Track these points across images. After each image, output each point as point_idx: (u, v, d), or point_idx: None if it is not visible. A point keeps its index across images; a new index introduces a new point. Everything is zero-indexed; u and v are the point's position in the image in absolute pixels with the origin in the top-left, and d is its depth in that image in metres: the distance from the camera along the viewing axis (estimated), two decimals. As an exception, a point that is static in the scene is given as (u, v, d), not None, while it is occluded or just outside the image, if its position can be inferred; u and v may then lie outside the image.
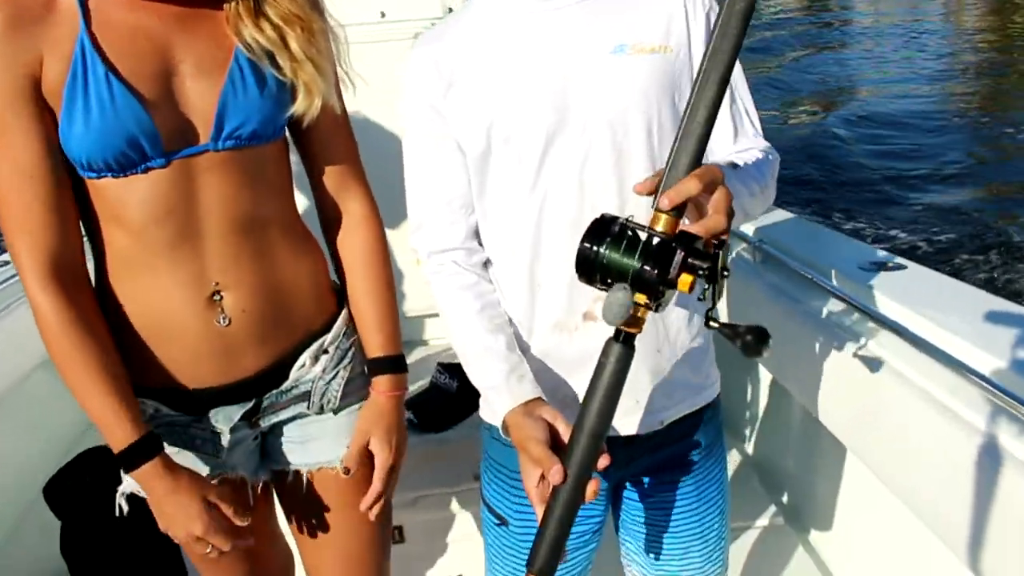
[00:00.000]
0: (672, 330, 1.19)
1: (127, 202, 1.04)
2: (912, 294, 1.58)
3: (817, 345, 1.63)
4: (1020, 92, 11.44)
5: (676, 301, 1.20)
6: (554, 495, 0.91)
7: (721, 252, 0.83)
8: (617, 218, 0.87)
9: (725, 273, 0.84)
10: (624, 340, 0.87)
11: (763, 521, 1.96)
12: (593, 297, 1.14)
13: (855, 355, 1.50)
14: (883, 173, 8.31)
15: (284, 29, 1.06)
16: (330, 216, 1.26)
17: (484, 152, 1.12)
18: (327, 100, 1.11)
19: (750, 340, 0.84)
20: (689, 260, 0.83)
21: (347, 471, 1.22)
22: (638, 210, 1.12)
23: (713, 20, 1.10)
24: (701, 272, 0.82)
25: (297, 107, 1.09)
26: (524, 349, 1.17)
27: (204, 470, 1.18)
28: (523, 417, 1.03)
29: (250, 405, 1.20)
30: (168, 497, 1.08)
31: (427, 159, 1.16)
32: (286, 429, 1.27)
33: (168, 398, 1.15)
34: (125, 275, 1.10)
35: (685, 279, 0.82)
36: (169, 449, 1.11)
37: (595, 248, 0.86)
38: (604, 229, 0.86)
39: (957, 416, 1.25)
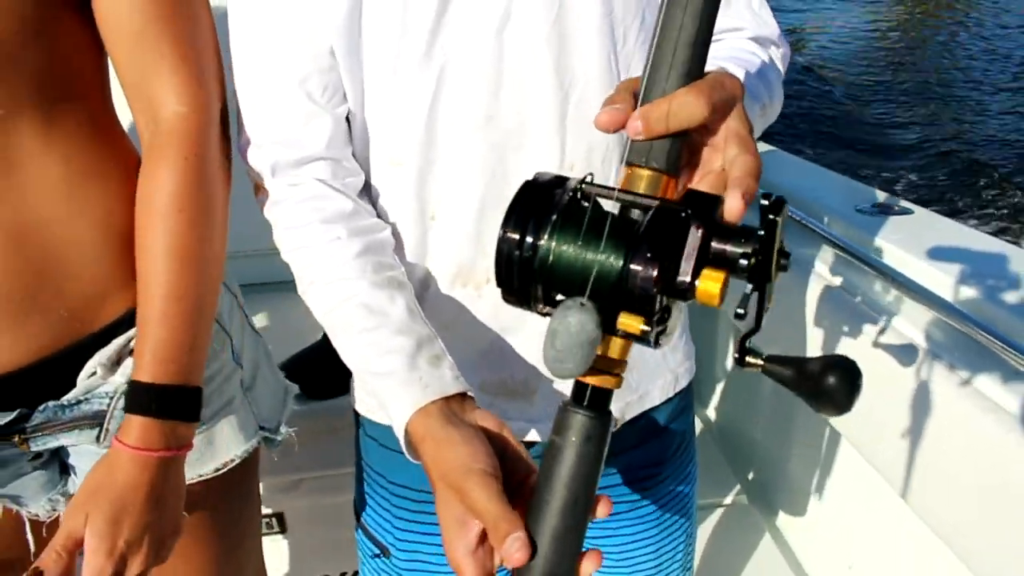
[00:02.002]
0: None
1: None
2: (915, 241, 1.31)
3: (802, 301, 1.35)
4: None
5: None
6: None
7: (779, 222, 0.44)
8: (564, 180, 0.47)
9: (783, 262, 0.46)
10: (592, 402, 0.48)
11: (727, 500, 1.76)
12: None
13: (844, 310, 1.27)
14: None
15: None
16: (140, 124, 0.78)
17: (352, 3, 0.69)
18: None
19: (834, 385, 0.46)
20: (715, 243, 0.44)
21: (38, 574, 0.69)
22: (579, 124, 0.72)
23: None
24: (742, 266, 0.43)
25: None
26: None
27: None
28: (446, 427, 0.60)
29: (11, 416, 0.78)
30: None
31: (266, 15, 0.71)
32: (73, 453, 0.86)
33: None
34: None
35: (711, 280, 0.43)
36: None
37: (530, 239, 0.45)
38: (543, 201, 0.46)
39: (951, 372, 1.06)
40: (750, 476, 1.84)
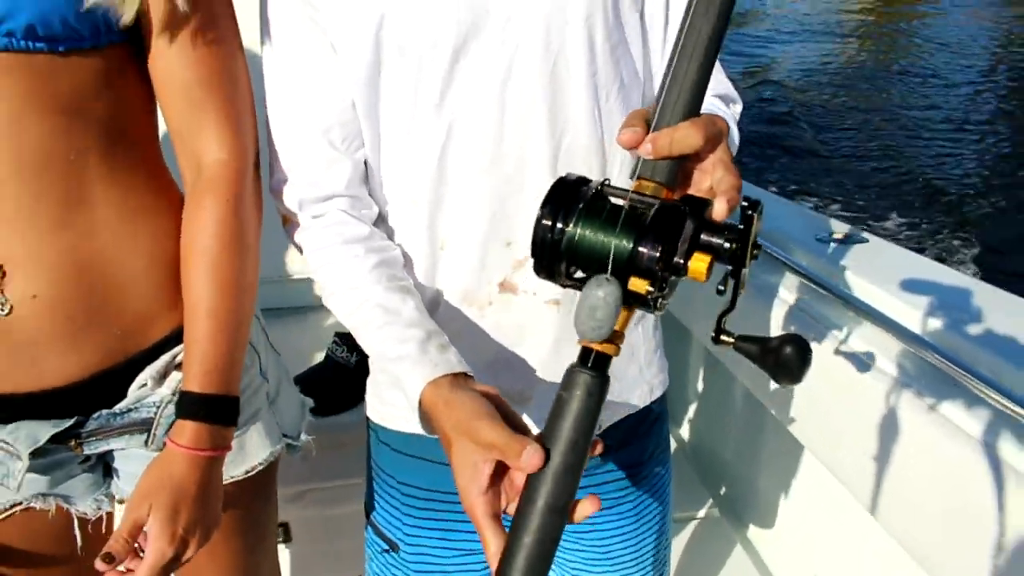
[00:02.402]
0: (634, 334, 0.97)
1: None
2: (872, 269, 1.43)
3: (767, 322, 1.45)
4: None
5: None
6: (523, 510, 0.59)
7: (755, 218, 0.57)
8: (588, 180, 0.60)
9: (756, 252, 0.58)
10: (595, 364, 0.59)
11: (699, 513, 1.82)
12: (513, 263, 0.87)
13: (808, 333, 1.34)
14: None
15: None
16: (184, 170, 0.90)
17: (372, 64, 0.81)
18: None
19: (790, 355, 0.60)
20: (704, 234, 0.57)
21: (108, 559, 0.79)
22: (570, 166, 0.85)
23: None
24: (725, 250, 0.57)
25: None
26: None
27: None
28: (454, 391, 0.71)
29: (69, 423, 0.89)
30: None
31: (296, 74, 0.85)
32: (119, 456, 0.97)
33: None
34: None
35: (700, 261, 0.56)
36: None
37: (560, 225, 0.58)
38: (571, 195, 0.59)
39: (918, 399, 1.12)
40: (722, 491, 1.92)
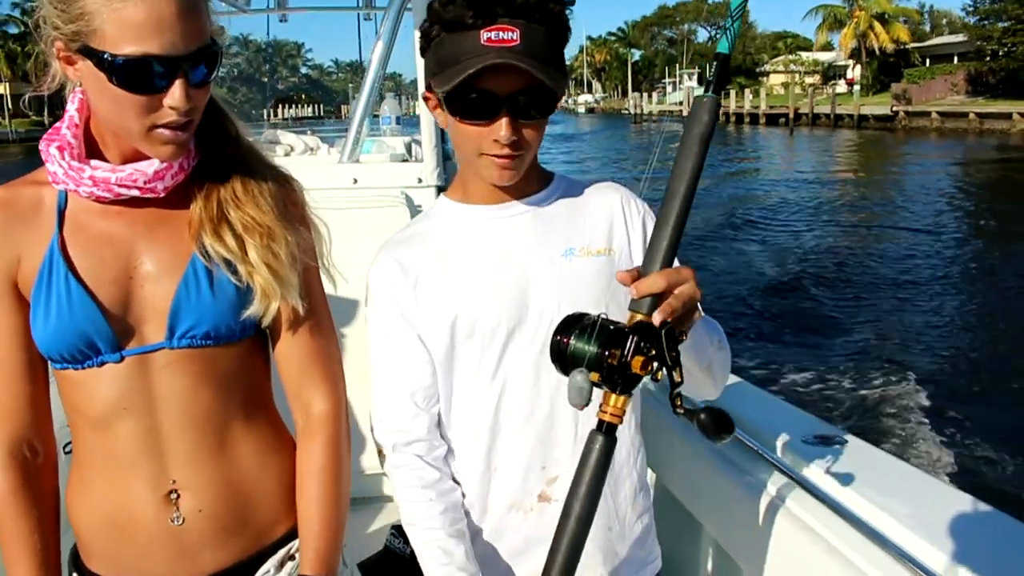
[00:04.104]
0: (622, 508, 1.24)
1: (88, 394, 1.10)
2: (853, 472, 1.61)
3: (762, 519, 1.66)
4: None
5: (627, 482, 1.25)
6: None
7: (668, 333, 0.90)
8: (586, 315, 0.94)
9: (673, 354, 0.91)
10: (606, 430, 0.92)
11: None
12: (547, 480, 1.19)
13: (800, 533, 1.54)
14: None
15: (244, 238, 1.11)
16: (296, 415, 1.25)
17: (448, 347, 1.19)
18: (287, 301, 1.14)
19: (705, 420, 0.91)
20: (641, 343, 0.89)
21: None
22: (586, 413, 1.18)
23: (648, 223, 1.22)
24: (650, 353, 0.89)
25: (252, 310, 1.12)
26: (477, 531, 1.21)
27: None
28: None
29: None
30: None
31: (394, 356, 1.22)
32: None
33: None
34: (88, 465, 1.13)
35: (636, 361, 0.89)
36: None
37: (563, 339, 0.93)
38: (574, 323, 0.93)
39: None
40: None
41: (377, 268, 1.24)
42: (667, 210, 0.93)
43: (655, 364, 0.91)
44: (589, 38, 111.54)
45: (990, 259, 12.34)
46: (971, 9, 47.31)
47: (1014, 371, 7.61)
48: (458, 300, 1.18)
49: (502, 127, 1.10)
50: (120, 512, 1.12)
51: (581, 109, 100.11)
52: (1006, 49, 42.71)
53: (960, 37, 50.39)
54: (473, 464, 1.22)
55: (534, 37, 1.07)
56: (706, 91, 0.94)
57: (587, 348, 0.90)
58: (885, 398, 7.13)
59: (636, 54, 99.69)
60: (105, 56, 0.95)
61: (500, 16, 1.06)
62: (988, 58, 45.25)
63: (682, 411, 0.93)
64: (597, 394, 0.92)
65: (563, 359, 0.93)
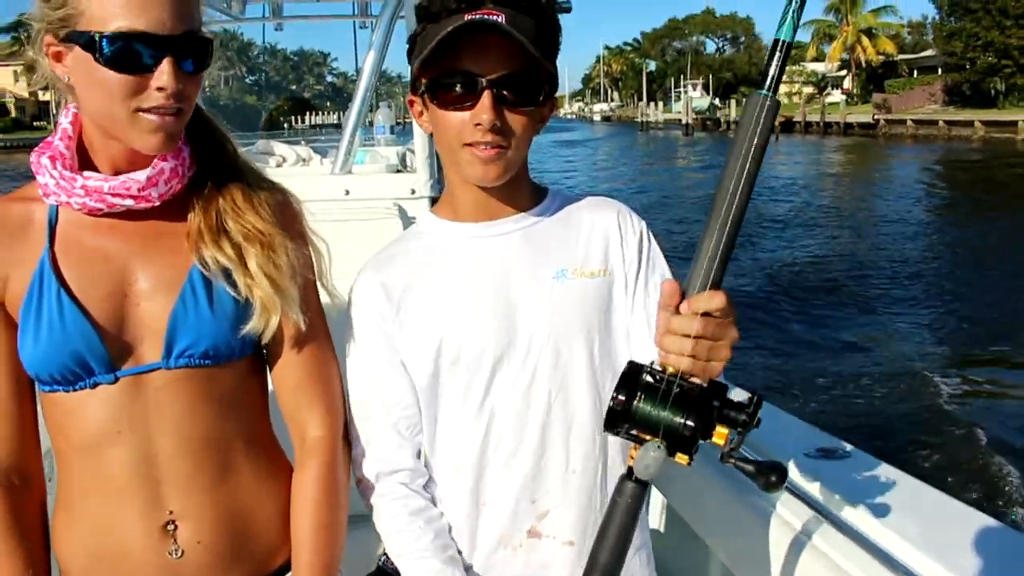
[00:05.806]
0: (631, 565, 1.20)
1: (79, 417, 1.04)
2: (861, 489, 1.57)
3: (770, 540, 1.60)
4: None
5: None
6: None
7: (756, 401, 0.83)
8: (644, 366, 0.86)
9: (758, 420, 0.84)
10: (638, 480, 0.86)
11: None
12: (537, 514, 1.12)
13: (807, 554, 1.49)
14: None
15: (244, 247, 1.06)
16: (293, 438, 1.20)
17: (433, 374, 1.13)
18: (288, 316, 1.09)
19: (774, 480, 0.86)
20: (727, 412, 0.82)
21: None
22: (578, 443, 1.13)
23: (645, 244, 1.16)
24: (740, 426, 0.82)
25: (252, 325, 1.07)
26: (467, 567, 1.14)
27: None
28: None
29: None
30: None
31: (375, 383, 1.16)
32: None
33: None
34: (75, 494, 1.07)
35: (721, 432, 0.82)
36: None
37: (628, 401, 0.84)
38: (634, 379, 0.85)
39: None
40: None
41: (359, 289, 1.18)
42: (712, 226, 0.83)
43: (738, 431, 0.83)
44: (607, 47, 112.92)
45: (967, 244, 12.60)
46: (938, 27, 51.40)
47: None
48: (443, 324, 1.12)
49: (484, 109, 1.03)
50: (110, 544, 1.06)
51: (597, 117, 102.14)
52: (966, 63, 46.14)
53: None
54: (459, 498, 1.16)
55: (521, 22, 1.02)
56: (766, 90, 0.82)
57: (661, 415, 0.82)
58: (886, 404, 7.05)
59: (652, 64, 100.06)
60: (92, 36, 0.93)
61: (486, 4, 1.02)
62: (965, 70, 48.07)
63: (733, 463, 0.87)
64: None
65: (621, 422, 0.85)
